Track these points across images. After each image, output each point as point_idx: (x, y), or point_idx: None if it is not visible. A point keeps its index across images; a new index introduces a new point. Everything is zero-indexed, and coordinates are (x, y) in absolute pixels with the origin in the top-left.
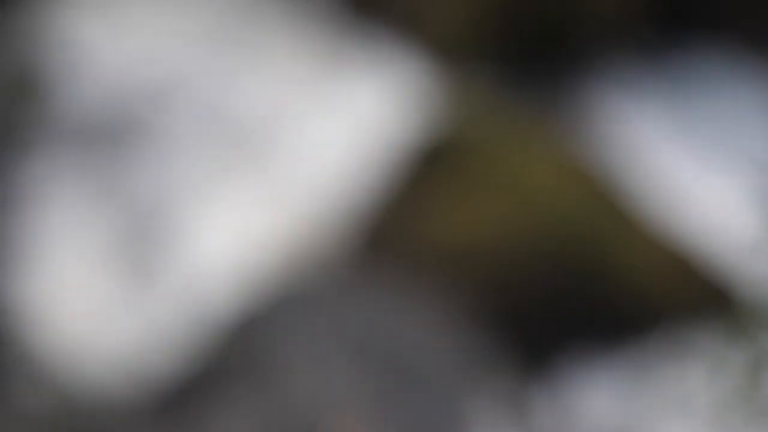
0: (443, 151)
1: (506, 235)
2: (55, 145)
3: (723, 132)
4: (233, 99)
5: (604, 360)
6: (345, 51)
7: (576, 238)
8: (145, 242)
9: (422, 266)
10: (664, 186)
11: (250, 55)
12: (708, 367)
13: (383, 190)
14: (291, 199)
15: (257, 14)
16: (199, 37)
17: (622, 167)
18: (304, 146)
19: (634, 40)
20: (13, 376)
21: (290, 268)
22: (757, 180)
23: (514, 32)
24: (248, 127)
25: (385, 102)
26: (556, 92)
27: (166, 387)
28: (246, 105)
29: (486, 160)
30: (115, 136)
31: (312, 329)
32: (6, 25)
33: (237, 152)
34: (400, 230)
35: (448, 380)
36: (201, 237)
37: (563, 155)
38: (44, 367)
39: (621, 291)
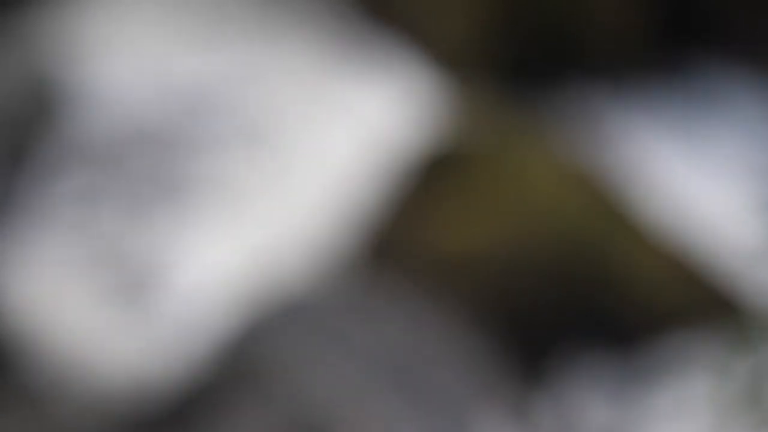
0: (448, 159)
1: (511, 242)
2: (64, 161)
3: (726, 141)
4: (239, 105)
5: (606, 367)
6: (351, 59)
7: (580, 245)
8: (149, 254)
9: (427, 274)
10: (667, 194)
11: (257, 61)
12: (711, 375)
13: (388, 199)
14: (296, 206)
15: (264, 21)
16: (206, 45)
17: (626, 176)
18: (309, 154)
19: (638, 50)
20: (17, 390)
21: (295, 277)
22: (760, 190)
23: (519, 42)
24: (254, 135)
25: (390, 111)
26: (559, 101)
27: (171, 399)
28: (252, 111)
29: (490, 168)
30: (120, 150)
31: (317, 338)
32: (18, 38)
33: (243, 160)
34: (405, 238)
35: (453, 387)
36: (205, 246)
37: (567, 163)
38: (49, 382)
39: (624, 298)
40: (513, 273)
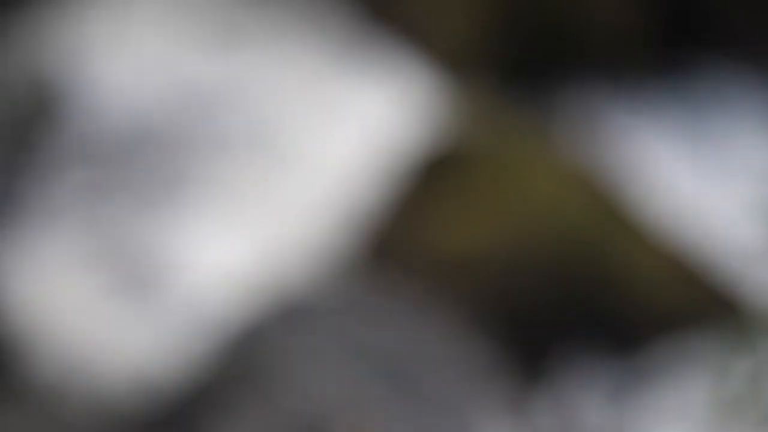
0: (448, 159)
1: (511, 243)
2: (65, 160)
3: (726, 141)
4: (240, 107)
5: (606, 367)
6: (352, 60)
7: (580, 245)
8: (151, 253)
9: (427, 274)
10: (667, 194)
11: (256, 61)
12: (710, 375)
13: (389, 199)
14: (296, 207)
15: (264, 21)
16: (207, 45)
17: (626, 176)
18: (310, 154)
19: (638, 50)
20: (19, 389)
21: (295, 277)
22: (760, 191)
23: (519, 42)
24: (255, 135)
25: (391, 110)
26: (559, 102)
27: (171, 398)
28: (253, 112)
29: (490, 168)
30: (121, 149)
31: (316, 338)
32: (16, 37)
33: (243, 160)
34: (405, 238)
35: (453, 388)
36: (206, 246)
37: (567, 164)
38: (50, 381)
39: (624, 298)
40: (513, 273)
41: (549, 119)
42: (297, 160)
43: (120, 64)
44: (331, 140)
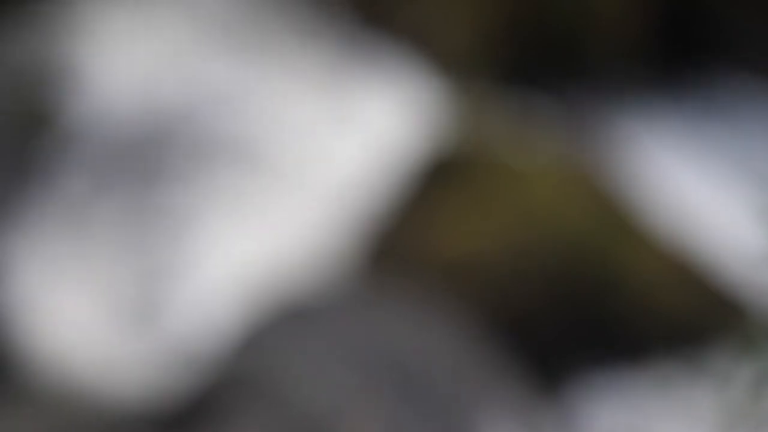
0: (450, 163)
1: (513, 246)
2: (67, 163)
3: (729, 146)
4: (243, 113)
5: (611, 371)
6: (354, 65)
7: (582, 249)
8: (156, 259)
9: (429, 277)
10: (671, 200)
11: (260, 68)
12: (715, 379)
13: (390, 203)
14: (299, 212)
15: (267, 27)
16: (209, 50)
17: (629, 180)
18: (312, 160)
19: (641, 57)
20: (22, 394)
21: (298, 281)
22: (764, 195)
23: (521, 47)
24: (257, 142)
25: (393, 116)
26: (562, 107)
27: (176, 404)
28: (256, 119)
29: (493, 172)
30: (124, 155)
31: (320, 342)
32: (20, 32)
33: (247, 166)
34: (407, 242)
35: (456, 391)
36: (211, 253)
37: (570, 168)
38: (56, 387)
39: (628, 302)
40: (516, 276)
41: (552, 124)
42: (301, 164)
43: (125, 66)
44: (335, 145)
